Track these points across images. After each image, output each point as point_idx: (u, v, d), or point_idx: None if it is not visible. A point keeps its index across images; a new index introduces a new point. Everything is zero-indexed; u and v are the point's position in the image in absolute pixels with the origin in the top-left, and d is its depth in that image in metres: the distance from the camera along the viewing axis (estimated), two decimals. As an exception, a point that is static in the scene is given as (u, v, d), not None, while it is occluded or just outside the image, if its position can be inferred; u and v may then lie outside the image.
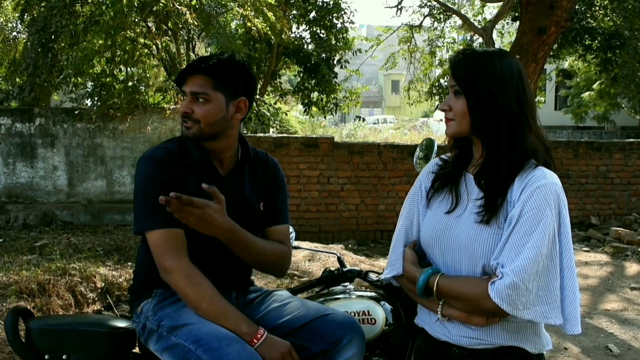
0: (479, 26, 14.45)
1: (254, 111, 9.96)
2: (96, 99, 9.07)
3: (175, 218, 1.93)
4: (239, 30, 12.59)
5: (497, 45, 13.76)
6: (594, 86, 19.80)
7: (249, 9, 9.03)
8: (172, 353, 1.94)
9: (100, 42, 8.54)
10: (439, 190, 1.89)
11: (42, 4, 9.18)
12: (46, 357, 2.06)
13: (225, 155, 2.17)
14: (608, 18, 12.58)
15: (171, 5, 8.12)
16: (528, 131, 1.73)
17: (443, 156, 1.98)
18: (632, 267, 7.39)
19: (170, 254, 1.95)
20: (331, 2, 13.08)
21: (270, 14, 9.26)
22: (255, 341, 1.90)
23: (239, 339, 1.88)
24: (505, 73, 1.74)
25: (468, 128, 1.78)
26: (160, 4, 8.26)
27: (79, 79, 9.41)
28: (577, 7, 5.81)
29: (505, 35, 16.00)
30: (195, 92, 2.07)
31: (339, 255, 2.62)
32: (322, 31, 13.28)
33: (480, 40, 14.38)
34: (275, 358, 1.90)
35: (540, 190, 1.66)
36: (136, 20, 8.67)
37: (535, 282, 1.62)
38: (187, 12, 8.08)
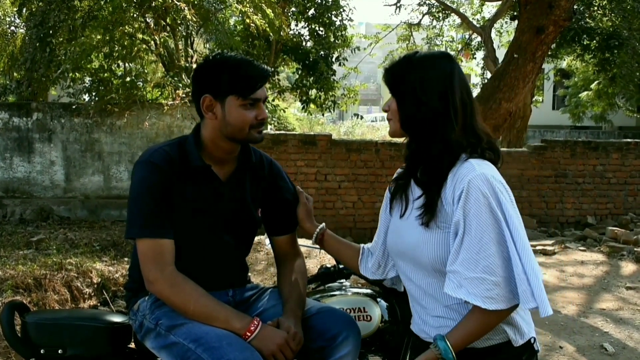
0: (478, 25, 14.49)
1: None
2: (94, 94, 9.05)
3: (166, 227, 1.96)
4: (238, 27, 12.57)
5: (495, 44, 13.78)
6: (592, 86, 19.84)
7: (247, 5, 9.02)
8: (171, 351, 1.93)
9: (99, 37, 8.53)
10: (395, 196, 1.96)
11: (41, -2, 9.17)
12: (42, 351, 2.06)
13: (231, 157, 2.14)
14: (607, 18, 12.60)
15: (170, 0, 8.11)
16: (450, 128, 1.77)
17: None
18: (628, 267, 7.40)
19: (155, 265, 1.94)
20: (330, 0, 13.07)
21: (269, 11, 9.25)
22: (249, 334, 1.89)
23: (239, 338, 1.88)
24: (432, 73, 1.80)
25: (399, 127, 1.86)
26: (159, 0, 8.25)
27: (77, 74, 9.40)
28: (575, 6, 5.81)
29: (503, 34, 16.01)
30: (266, 96, 2.10)
31: (335, 252, 2.61)
32: (321, 28, 13.27)
33: (479, 39, 14.41)
34: (272, 350, 1.88)
35: (472, 185, 1.68)
36: (135, 15, 8.66)
37: (503, 273, 1.67)
38: (186, 8, 8.07)
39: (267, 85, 13.39)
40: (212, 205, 2.07)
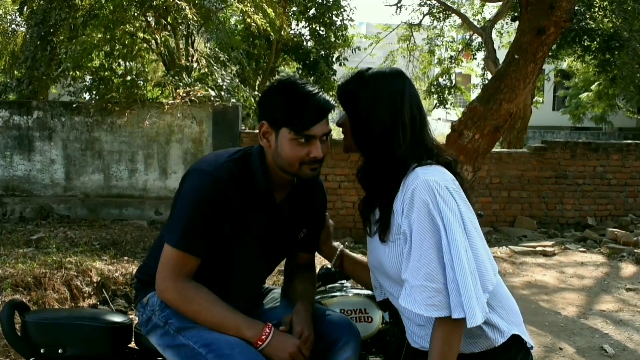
0: (478, 25, 14.47)
1: (252, 107, 9.95)
2: (94, 92, 9.04)
3: (201, 246, 1.90)
4: (239, 26, 12.60)
5: (496, 45, 13.77)
6: (592, 87, 19.83)
7: (248, 5, 9.03)
8: (178, 353, 1.91)
9: (100, 35, 8.53)
10: (363, 215, 1.98)
11: (42, -3, 9.15)
12: (42, 350, 2.05)
13: (288, 183, 2.07)
14: (607, 19, 12.60)
15: (171, 0, 8.11)
16: (398, 144, 1.80)
17: None
18: (628, 268, 7.40)
19: (170, 274, 1.90)
20: (331, 0, 13.08)
21: (269, 11, 9.26)
22: (260, 343, 1.87)
23: (250, 347, 1.86)
24: (383, 90, 1.84)
25: (353, 142, 1.90)
26: (160, -1, 8.25)
27: (78, 72, 9.38)
28: (576, 7, 5.80)
29: (504, 35, 16.00)
30: (326, 133, 1.94)
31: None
32: (322, 28, 13.30)
33: (480, 39, 14.40)
34: (284, 358, 1.86)
35: (415, 193, 1.70)
36: (135, 14, 8.66)
37: (442, 279, 1.67)
38: (187, 7, 8.07)
39: (268, 84, 13.43)
40: (262, 226, 2.03)
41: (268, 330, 1.89)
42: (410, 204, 1.70)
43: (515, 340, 1.81)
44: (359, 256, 2.37)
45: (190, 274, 1.92)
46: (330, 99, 1.94)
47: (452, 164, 1.84)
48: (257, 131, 2.02)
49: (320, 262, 2.42)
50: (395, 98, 1.83)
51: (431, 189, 1.69)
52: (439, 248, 1.67)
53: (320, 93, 1.92)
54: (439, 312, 1.66)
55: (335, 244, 2.33)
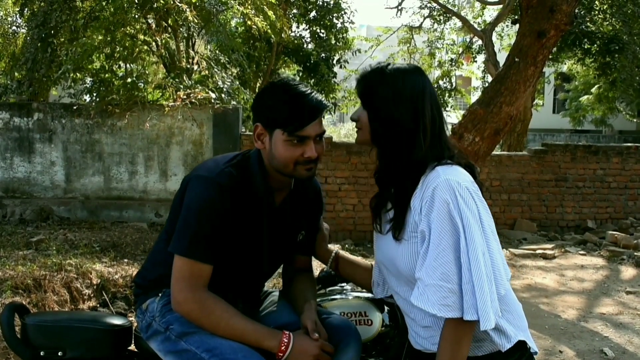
0: (479, 28, 14.49)
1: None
2: (95, 94, 9.04)
3: (211, 252, 1.89)
4: (239, 29, 12.61)
5: (496, 48, 13.78)
6: (593, 90, 19.84)
7: (249, 7, 9.03)
8: (180, 358, 1.91)
9: (100, 37, 8.53)
10: (375, 212, 1.97)
11: (42, -1, 9.16)
12: (42, 353, 2.05)
13: (286, 185, 2.07)
14: (607, 22, 12.60)
15: (171, 2, 8.11)
16: (418, 146, 1.79)
17: None
18: (627, 271, 7.40)
19: (187, 285, 1.87)
20: (331, 2, 13.11)
21: (270, 13, 9.27)
22: (281, 355, 1.86)
23: (254, 352, 1.85)
24: (405, 89, 1.80)
25: (369, 138, 1.88)
26: (161, 1, 8.25)
27: (78, 74, 9.39)
28: (576, 11, 5.81)
29: (504, 38, 16.02)
30: (319, 133, 1.95)
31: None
32: (322, 31, 13.31)
33: (480, 42, 14.42)
34: None
35: (436, 193, 1.69)
36: (136, 16, 8.66)
37: (458, 280, 1.66)
38: (188, 10, 8.07)
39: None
40: (263, 229, 2.03)
41: (286, 340, 1.88)
42: (431, 202, 1.69)
43: (520, 346, 1.80)
44: (355, 257, 2.37)
45: (206, 283, 1.90)
46: (324, 99, 1.94)
47: (472, 167, 1.83)
48: (256, 133, 2.02)
49: (321, 264, 2.42)
50: (417, 98, 1.80)
51: (452, 189, 1.68)
52: (457, 248, 1.66)
53: (313, 93, 1.92)
54: (452, 312, 1.65)
55: (330, 246, 2.33)
